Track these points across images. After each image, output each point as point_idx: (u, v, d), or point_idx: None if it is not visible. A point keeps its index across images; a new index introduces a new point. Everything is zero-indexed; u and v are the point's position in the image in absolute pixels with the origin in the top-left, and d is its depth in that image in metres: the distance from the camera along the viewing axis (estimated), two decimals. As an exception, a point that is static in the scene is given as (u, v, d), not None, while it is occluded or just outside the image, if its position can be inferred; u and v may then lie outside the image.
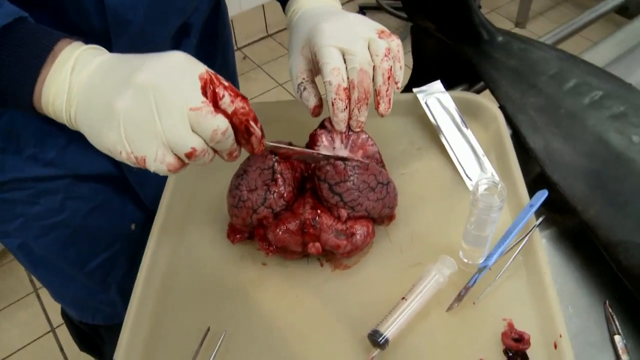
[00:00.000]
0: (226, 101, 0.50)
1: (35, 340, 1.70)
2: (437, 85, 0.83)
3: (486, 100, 0.82)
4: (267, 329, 0.62)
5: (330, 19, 0.64)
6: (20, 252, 0.87)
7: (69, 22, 0.63)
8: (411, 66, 1.06)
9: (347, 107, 0.63)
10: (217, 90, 0.50)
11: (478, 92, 0.94)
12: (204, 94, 0.50)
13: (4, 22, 0.49)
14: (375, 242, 0.68)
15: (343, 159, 0.63)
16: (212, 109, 0.49)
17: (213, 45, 0.94)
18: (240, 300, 0.64)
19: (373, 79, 0.64)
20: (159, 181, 0.75)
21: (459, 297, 0.61)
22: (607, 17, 1.12)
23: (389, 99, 0.65)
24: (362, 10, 2.89)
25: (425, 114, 0.81)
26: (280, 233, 0.63)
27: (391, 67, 0.64)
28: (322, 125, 0.67)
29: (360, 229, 0.64)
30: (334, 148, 0.66)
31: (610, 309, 0.65)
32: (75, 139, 0.54)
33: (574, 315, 0.65)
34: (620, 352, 0.61)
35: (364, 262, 0.67)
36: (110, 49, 0.66)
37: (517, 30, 2.85)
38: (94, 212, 0.84)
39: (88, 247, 0.88)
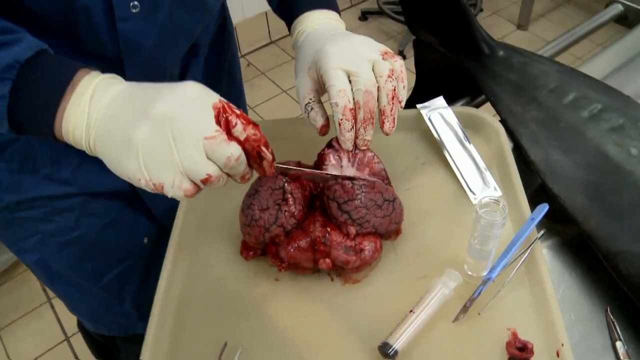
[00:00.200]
0: (239, 129, 0.52)
1: (50, 349, 1.72)
2: (440, 100, 0.84)
3: (488, 115, 0.84)
4: (282, 342, 0.64)
5: (335, 41, 0.66)
6: (38, 267, 0.90)
7: (83, 47, 0.65)
8: (414, 77, 1.08)
9: (353, 127, 0.65)
10: (229, 119, 0.52)
11: (480, 104, 0.96)
12: (218, 122, 0.51)
13: (26, 56, 0.52)
14: (383, 256, 0.70)
15: (351, 179, 0.65)
16: (225, 137, 0.51)
17: (220, 62, 0.96)
18: (254, 314, 0.66)
19: (377, 99, 0.65)
20: None
21: (465, 309, 0.63)
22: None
23: (393, 118, 0.67)
24: (365, 15, 2.90)
25: (428, 129, 0.83)
26: (292, 250, 0.65)
27: (395, 87, 0.65)
28: (329, 145, 0.69)
29: (368, 245, 0.66)
30: (341, 166, 0.68)
31: (611, 316, 0.66)
32: (88, 158, 0.56)
33: (576, 322, 0.66)
34: (622, 357, 0.62)
35: (373, 276, 0.69)
36: (123, 71, 0.68)
37: (519, 32, 2.86)
38: (107, 227, 0.86)
39: (103, 261, 0.90)
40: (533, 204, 0.70)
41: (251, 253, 0.70)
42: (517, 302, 0.65)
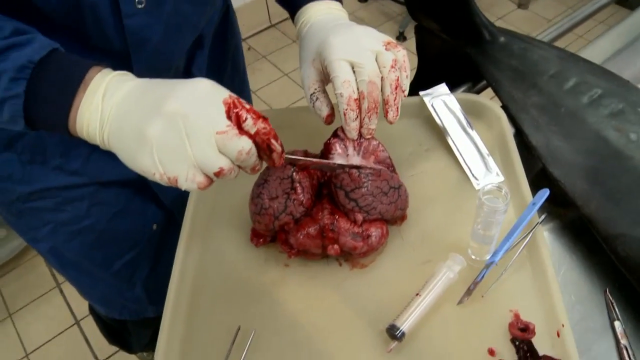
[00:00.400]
0: (249, 123, 0.53)
1: (60, 333, 1.75)
2: (443, 87, 0.86)
3: (490, 102, 0.85)
4: (292, 326, 0.66)
5: (338, 32, 0.67)
6: (51, 255, 0.92)
7: (91, 43, 0.66)
8: (416, 60, 1.08)
9: (358, 117, 0.66)
10: (240, 113, 0.53)
11: (481, 90, 0.97)
12: (229, 117, 0.53)
13: (39, 56, 0.53)
14: (389, 241, 0.72)
15: (357, 167, 0.67)
16: (236, 131, 0.53)
17: (224, 52, 0.96)
18: (265, 299, 0.69)
19: (381, 89, 0.66)
20: None
21: (469, 292, 0.65)
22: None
23: (397, 107, 0.68)
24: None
25: (431, 115, 0.84)
26: (301, 237, 0.67)
27: (398, 77, 0.66)
28: (335, 134, 0.70)
29: (375, 231, 0.68)
30: (347, 155, 0.70)
31: (610, 297, 0.68)
32: (97, 149, 0.57)
33: (576, 302, 0.68)
34: (619, 336, 0.64)
35: (380, 261, 0.71)
36: (130, 65, 0.69)
37: (519, 11, 2.84)
38: (117, 215, 0.88)
39: (113, 248, 0.92)
40: (534, 187, 0.72)
41: (261, 240, 0.72)
42: (519, 284, 0.67)
